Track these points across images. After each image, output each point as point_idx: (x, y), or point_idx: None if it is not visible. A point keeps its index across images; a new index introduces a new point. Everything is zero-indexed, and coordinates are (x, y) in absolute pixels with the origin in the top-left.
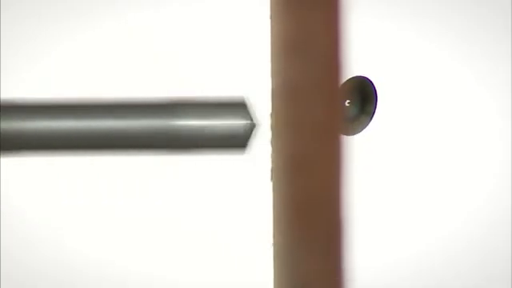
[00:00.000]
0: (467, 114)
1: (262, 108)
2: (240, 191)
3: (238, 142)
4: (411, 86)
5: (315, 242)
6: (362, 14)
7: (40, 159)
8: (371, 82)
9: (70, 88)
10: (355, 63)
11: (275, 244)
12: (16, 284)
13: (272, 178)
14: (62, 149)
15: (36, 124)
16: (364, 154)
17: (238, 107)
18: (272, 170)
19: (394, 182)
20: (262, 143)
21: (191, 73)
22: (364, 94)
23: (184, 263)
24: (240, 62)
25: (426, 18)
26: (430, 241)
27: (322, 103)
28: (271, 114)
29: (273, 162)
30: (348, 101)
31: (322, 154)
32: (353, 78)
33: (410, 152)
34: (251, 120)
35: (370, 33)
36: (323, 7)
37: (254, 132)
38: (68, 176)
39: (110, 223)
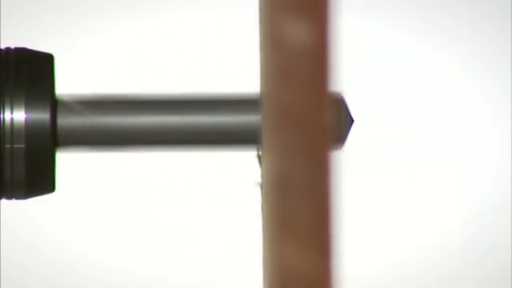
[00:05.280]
0: (464, 114)
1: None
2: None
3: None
4: (409, 86)
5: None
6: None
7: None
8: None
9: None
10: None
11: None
12: (16, 284)
13: (261, 195)
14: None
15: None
16: (361, 157)
17: None
18: (261, 187)
19: (390, 183)
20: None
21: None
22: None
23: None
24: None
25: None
26: (427, 242)
27: (312, 124)
28: (262, 134)
29: (262, 178)
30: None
31: (311, 173)
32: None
33: (408, 152)
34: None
35: (359, 34)
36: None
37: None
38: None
39: (103, 221)
